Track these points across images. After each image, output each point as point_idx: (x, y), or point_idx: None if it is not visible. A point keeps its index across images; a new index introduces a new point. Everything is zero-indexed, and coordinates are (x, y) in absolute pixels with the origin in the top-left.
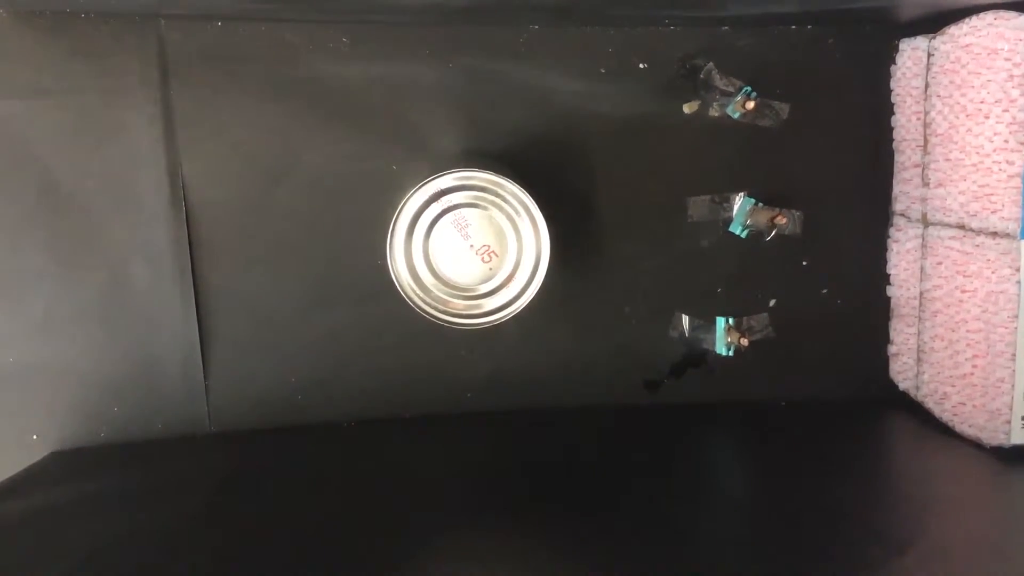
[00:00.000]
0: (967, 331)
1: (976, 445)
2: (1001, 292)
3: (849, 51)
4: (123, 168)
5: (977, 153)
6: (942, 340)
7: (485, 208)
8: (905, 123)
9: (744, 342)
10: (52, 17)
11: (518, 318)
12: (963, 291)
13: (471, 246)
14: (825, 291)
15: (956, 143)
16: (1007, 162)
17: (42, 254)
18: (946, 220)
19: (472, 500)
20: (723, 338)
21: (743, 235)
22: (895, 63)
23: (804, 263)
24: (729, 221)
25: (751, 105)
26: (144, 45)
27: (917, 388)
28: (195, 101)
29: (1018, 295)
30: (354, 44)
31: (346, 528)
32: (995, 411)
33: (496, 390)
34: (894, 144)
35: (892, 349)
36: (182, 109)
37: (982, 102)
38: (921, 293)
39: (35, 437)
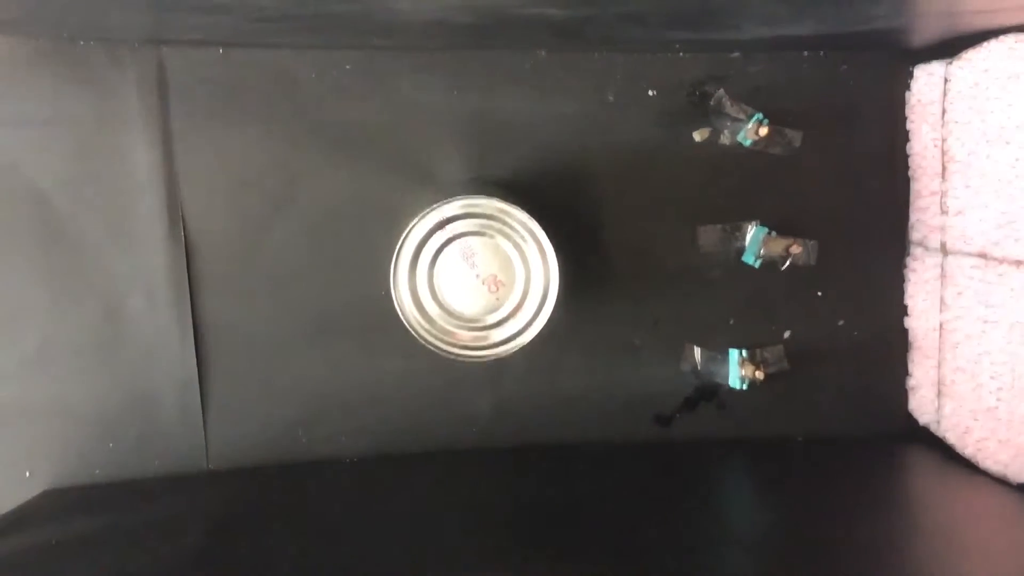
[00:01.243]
0: (991, 363)
1: (1001, 482)
2: None
3: (863, 77)
4: (121, 197)
5: (998, 180)
6: (964, 372)
7: (491, 236)
8: (921, 150)
9: (760, 375)
10: (50, 43)
11: (525, 350)
12: (985, 322)
13: (477, 275)
14: (841, 322)
15: (976, 170)
16: None
17: (36, 286)
18: (966, 249)
19: (477, 536)
20: (737, 371)
21: (756, 265)
22: (910, 89)
23: (819, 294)
24: (741, 251)
25: (763, 132)
26: (144, 71)
27: (938, 422)
28: (195, 128)
29: None
30: (356, 71)
31: (347, 567)
32: (1021, 446)
33: (502, 424)
34: (910, 171)
35: (911, 382)
36: (182, 136)
37: (1003, 127)
38: (941, 324)
39: (28, 474)
